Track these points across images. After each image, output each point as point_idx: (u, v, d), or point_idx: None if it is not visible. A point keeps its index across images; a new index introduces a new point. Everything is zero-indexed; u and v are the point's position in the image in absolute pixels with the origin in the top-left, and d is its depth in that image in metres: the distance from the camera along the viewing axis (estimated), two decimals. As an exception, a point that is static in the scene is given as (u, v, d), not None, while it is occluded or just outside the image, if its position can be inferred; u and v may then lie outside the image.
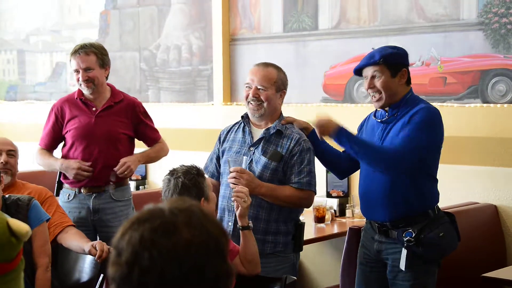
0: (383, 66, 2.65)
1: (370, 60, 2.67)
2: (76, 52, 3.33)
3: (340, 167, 2.94)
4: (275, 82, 2.82)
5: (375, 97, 2.69)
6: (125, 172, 3.29)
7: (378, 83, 2.66)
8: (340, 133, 2.63)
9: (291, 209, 2.83)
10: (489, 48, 3.68)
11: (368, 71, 2.69)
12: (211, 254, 1.07)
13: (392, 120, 2.69)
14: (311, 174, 2.81)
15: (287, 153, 2.78)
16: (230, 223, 2.78)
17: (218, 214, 2.83)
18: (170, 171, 2.41)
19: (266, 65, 2.86)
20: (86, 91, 3.37)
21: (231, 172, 2.69)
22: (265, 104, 2.80)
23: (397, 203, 2.65)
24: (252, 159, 2.81)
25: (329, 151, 2.91)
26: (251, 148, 2.83)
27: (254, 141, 2.84)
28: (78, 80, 3.34)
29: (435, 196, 2.71)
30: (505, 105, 3.63)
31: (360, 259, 2.82)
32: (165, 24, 5.10)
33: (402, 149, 2.59)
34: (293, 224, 2.83)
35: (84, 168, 3.28)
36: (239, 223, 2.49)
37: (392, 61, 2.66)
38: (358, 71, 2.74)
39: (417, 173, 2.65)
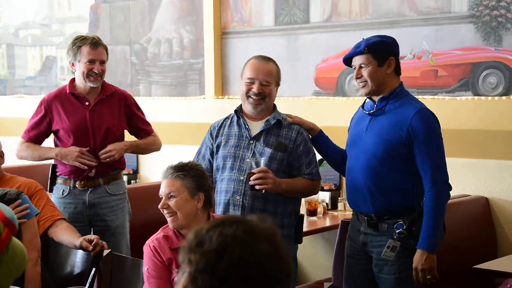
0: (369, 55, 2.65)
1: (357, 50, 2.68)
2: (96, 44, 3.30)
3: (344, 165, 2.94)
4: (275, 77, 2.85)
5: (361, 85, 2.70)
6: (107, 159, 3.28)
7: (365, 73, 2.66)
8: (436, 243, 2.60)
9: (294, 201, 2.84)
10: (480, 40, 3.68)
11: (356, 61, 2.70)
12: (283, 271, 1.13)
13: (380, 113, 2.70)
14: (317, 162, 2.87)
15: (291, 143, 2.80)
16: None
17: (220, 209, 2.80)
18: (173, 165, 2.46)
19: (267, 59, 2.86)
20: (92, 84, 3.33)
21: (255, 173, 2.68)
22: (267, 99, 2.82)
23: (380, 195, 2.66)
24: (254, 151, 2.81)
25: (333, 151, 2.92)
26: (251, 141, 2.83)
27: (253, 133, 2.84)
28: (89, 71, 3.29)
29: (418, 193, 2.68)
30: (496, 98, 3.64)
31: (347, 251, 2.83)
32: (156, 17, 5.07)
33: (437, 176, 2.60)
34: (295, 216, 2.85)
35: (84, 152, 3.25)
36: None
37: (378, 49, 2.66)
38: (348, 61, 2.75)
39: (402, 168, 2.65)
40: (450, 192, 2.68)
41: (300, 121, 2.88)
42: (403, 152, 2.63)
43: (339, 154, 2.91)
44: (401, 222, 2.63)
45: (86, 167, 3.27)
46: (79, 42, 3.33)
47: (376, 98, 2.73)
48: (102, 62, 3.32)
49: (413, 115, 2.61)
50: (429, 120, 2.63)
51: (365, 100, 2.81)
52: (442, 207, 2.61)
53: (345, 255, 2.84)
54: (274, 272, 1.12)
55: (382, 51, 2.67)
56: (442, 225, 2.62)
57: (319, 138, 2.91)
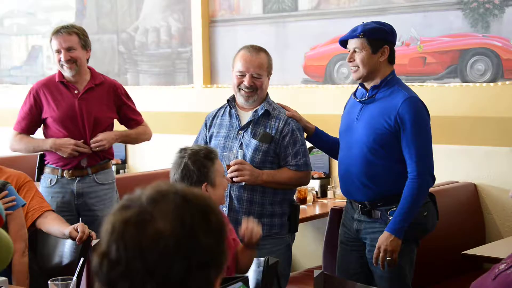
0: (364, 40, 2.65)
1: (353, 33, 2.68)
2: (58, 32, 3.28)
3: (334, 149, 2.94)
4: (267, 67, 2.83)
5: (353, 69, 2.70)
6: (97, 148, 3.27)
7: (358, 57, 2.66)
8: (397, 226, 2.59)
9: (285, 190, 2.83)
10: (468, 27, 3.68)
11: (351, 44, 2.69)
12: (182, 248, 0.99)
13: (371, 101, 2.70)
14: (306, 153, 2.83)
15: (277, 133, 2.79)
16: (224, 209, 2.77)
17: None
18: (181, 148, 2.29)
19: (257, 50, 2.83)
20: (68, 73, 3.31)
21: (231, 166, 2.68)
22: (258, 91, 2.80)
23: (372, 184, 2.67)
24: (242, 142, 2.80)
25: (333, 145, 2.91)
26: (240, 132, 2.82)
27: (242, 124, 2.83)
28: (59, 61, 3.29)
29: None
30: (484, 84, 3.65)
31: (341, 238, 2.84)
32: (143, 6, 5.03)
33: (421, 166, 2.59)
34: (288, 205, 2.84)
35: (80, 144, 3.24)
36: (249, 240, 2.21)
37: (374, 36, 2.65)
38: (344, 43, 2.75)
39: (392, 157, 2.65)
40: (434, 181, 2.68)
41: (298, 117, 2.87)
42: (393, 141, 2.63)
43: (334, 144, 2.91)
44: (394, 208, 2.64)
45: (78, 154, 3.25)
46: (51, 33, 3.33)
47: (368, 86, 2.73)
48: (70, 49, 3.27)
49: (401, 103, 2.61)
50: (417, 109, 2.62)
51: (357, 87, 2.80)
52: (420, 197, 2.61)
53: (338, 242, 2.85)
54: (163, 261, 0.99)
55: (377, 38, 2.66)
56: (416, 213, 2.61)
57: (316, 137, 2.91)
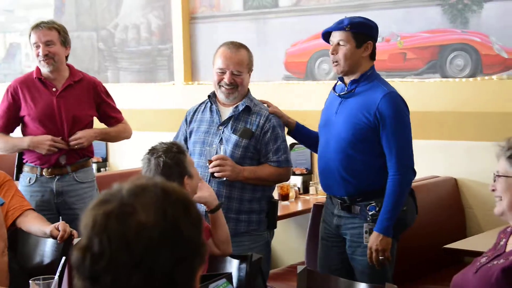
0: (349, 34, 2.65)
1: (339, 26, 2.67)
2: (38, 26, 3.26)
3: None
4: (247, 64, 2.82)
5: (335, 63, 2.70)
6: (76, 146, 3.24)
7: (341, 51, 2.66)
8: (384, 224, 2.60)
9: (264, 187, 2.83)
10: (447, 23, 3.71)
11: (335, 37, 2.69)
12: (166, 239, 1.00)
13: (350, 95, 2.70)
14: (287, 149, 2.84)
15: (258, 129, 2.78)
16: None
17: None
18: (150, 149, 2.32)
19: (237, 47, 2.82)
20: (45, 68, 3.28)
21: (213, 161, 2.67)
22: (239, 88, 2.79)
23: (352, 178, 2.68)
24: (222, 138, 2.79)
25: (311, 137, 2.92)
26: (220, 127, 2.81)
27: (223, 120, 2.82)
28: (38, 55, 3.25)
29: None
30: (464, 79, 3.68)
31: (321, 234, 2.85)
32: (122, 2, 4.99)
33: (402, 162, 2.60)
34: (266, 202, 2.84)
35: (57, 140, 3.21)
36: (208, 207, 2.41)
37: (360, 30, 2.66)
38: (327, 36, 2.74)
39: (372, 151, 2.66)
40: (415, 176, 2.70)
41: (280, 113, 2.87)
42: (372, 135, 2.64)
43: (313, 138, 2.91)
44: (373, 203, 2.65)
45: (57, 150, 3.21)
46: (31, 27, 3.31)
47: (347, 80, 2.73)
48: (48, 43, 3.24)
49: (381, 98, 2.62)
50: (397, 104, 2.63)
51: (337, 82, 2.81)
52: (403, 192, 2.63)
53: (319, 238, 2.85)
54: (148, 252, 0.99)
55: (363, 33, 2.66)
56: (401, 208, 2.63)
57: (297, 131, 2.92)
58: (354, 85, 2.70)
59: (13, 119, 3.32)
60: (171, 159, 2.25)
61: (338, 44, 2.67)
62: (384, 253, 2.61)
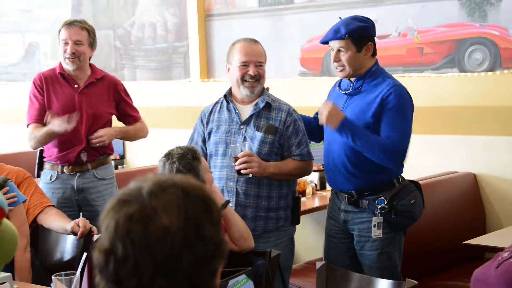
0: (348, 41, 2.66)
1: (336, 35, 2.67)
2: (71, 24, 3.29)
3: (316, 132, 2.94)
4: (265, 57, 2.85)
5: (339, 68, 2.71)
6: (97, 144, 3.25)
7: (343, 58, 2.68)
8: (345, 125, 2.60)
9: (289, 183, 2.83)
10: (465, 16, 3.68)
11: (334, 45, 2.70)
12: (188, 242, 1.00)
13: (356, 93, 2.71)
14: (307, 142, 2.84)
15: (281, 124, 2.78)
16: (230, 204, 2.76)
17: None
18: (166, 154, 2.37)
19: (253, 41, 2.84)
20: (70, 66, 3.31)
21: (239, 158, 2.67)
22: (261, 80, 2.80)
23: (361, 173, 2.67)
24: (245, 136, 2.79)
25: (308, 125, 2.91)
26: (242, 126, 2.81)
27: (243, 118, 2.81)
28: (65, 51, 3.28)
29: (397, 167, 2.70)
30: (482, 74, 3.65)
31: (328, 231, 2.84)
32: (139, 1, 5.01)
33: (398, 139, 2.59)
34: (291, 198, 2.84)
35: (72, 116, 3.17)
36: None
37: (358, 35, 2.66)
38: (325, 41, 2.75)
39: None
40: (403, 169, 2.70)
41: None
42: (379, 130, 2.63)
43: (309, 124, 2.89)
44: (382, 197, 2.64)
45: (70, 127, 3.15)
46: (61, 25, 3.33)
47: (352, 78, 2.74)
48: (77, 43, 3.28)
49: (387, 90, 2.63)
50: (402, 95, 2.64)
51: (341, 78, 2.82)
52: (381, 150, 2.58)
53: (325, 235, 2.85)
54: (172, 254, 1.00)
55: (362, 36, 2.67)
56: (365, 147, 2.59)
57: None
58: (360, 81, 2.71)
59: (44, 110, 3.30)
60: (184, 166, 2.30)
61: (339, 50, 2.67)
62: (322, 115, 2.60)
